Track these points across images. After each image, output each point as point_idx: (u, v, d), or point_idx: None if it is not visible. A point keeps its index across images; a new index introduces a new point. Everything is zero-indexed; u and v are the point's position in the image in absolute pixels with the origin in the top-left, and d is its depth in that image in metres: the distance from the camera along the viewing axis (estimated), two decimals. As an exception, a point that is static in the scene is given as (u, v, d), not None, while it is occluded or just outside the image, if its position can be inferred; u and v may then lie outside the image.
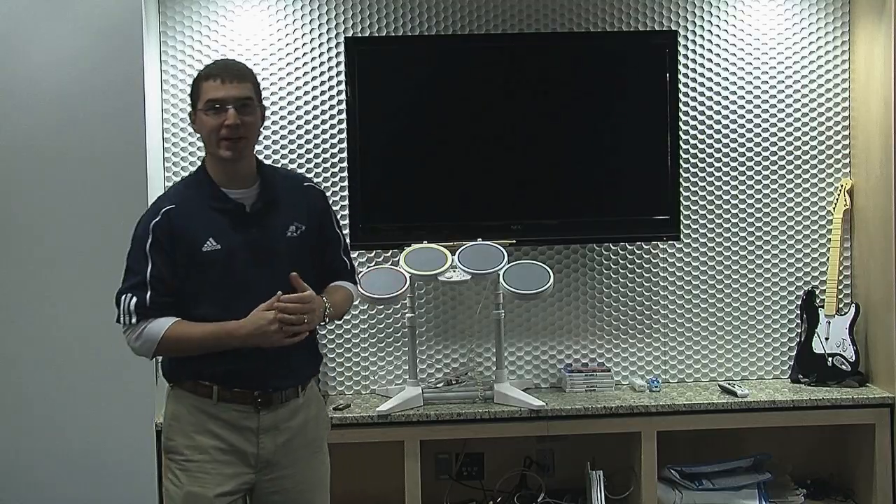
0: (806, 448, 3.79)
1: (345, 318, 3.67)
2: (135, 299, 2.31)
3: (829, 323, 3.69)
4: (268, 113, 3.61)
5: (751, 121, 3.79)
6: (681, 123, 3.72)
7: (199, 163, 2.53)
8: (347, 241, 2.66)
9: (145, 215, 2.39)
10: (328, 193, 3.66)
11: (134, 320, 2.32)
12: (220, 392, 2.37)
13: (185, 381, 2.40)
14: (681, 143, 3.72)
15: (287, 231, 2.44)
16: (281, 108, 3.68)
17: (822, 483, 3.74)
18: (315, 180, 2.82)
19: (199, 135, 2.45)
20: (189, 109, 2.47)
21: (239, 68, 2.42)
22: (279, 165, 3.66)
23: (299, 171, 3.66)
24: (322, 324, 2.43)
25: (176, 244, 2.34)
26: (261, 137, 3.59)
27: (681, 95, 3.72)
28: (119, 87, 3.32)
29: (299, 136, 3.69)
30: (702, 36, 3.76)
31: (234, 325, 2.31)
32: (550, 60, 3.68)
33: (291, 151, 3.69)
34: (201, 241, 2.34)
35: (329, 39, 3.68)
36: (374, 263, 3.69)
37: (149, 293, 2.32)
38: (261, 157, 3.61)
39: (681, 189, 3.72)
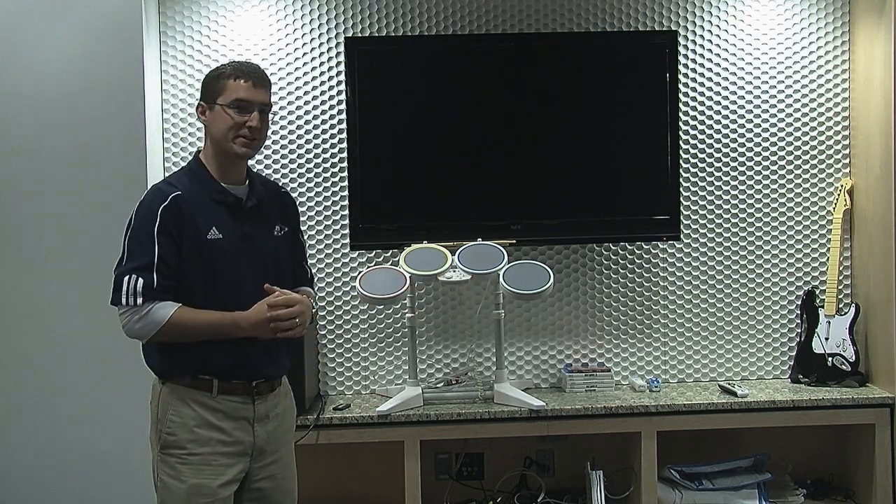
0: (806, 448, 3.79)
1: (344, 318, 3.72)
2: (141, 280, 2.31)
3: (829, 323, 3.69)
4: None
5: (751, 121, 3.79)
6: (681, 123, 3.72)
7: (198, 162, 2.55)
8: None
9: (150, 200, 2.39)
10: (328, 193, 3.69)
11: (140, 301, 2.31)
12: (220, 385, 2.40)
13: (184, 377, 2.41)
14: (681, 142, 3.72)
15: (274, 230, 2.54)
16: (281, 108, 3.67)
17: (822, 483, 3.74)
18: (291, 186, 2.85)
19: (204, 126, 2.48)
20: (196, 103, 2.53)
21: (266, 76, 2.50)
22: (280, 165, 3.68)
23: (300, 170, 3.68)
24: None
25: (183, 230, 2.37)
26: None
27: (681, 95, 3.72)
28: (119, 87, 3.33)
29: (299, 136, 3.69)
30: (702, 36, 3.76)
31: (240, 316, 2.37)
32: (550, 60, 3.67)
33: (291, 151, 3.69)
34: (206, 230, 2.39)
35: (329, 39, 3.68)
36: (374, 263, 3.69)
37: (156, 275, 2.33)
38: (261, 156, 3.67)
39: (681, 189, 3.72)
